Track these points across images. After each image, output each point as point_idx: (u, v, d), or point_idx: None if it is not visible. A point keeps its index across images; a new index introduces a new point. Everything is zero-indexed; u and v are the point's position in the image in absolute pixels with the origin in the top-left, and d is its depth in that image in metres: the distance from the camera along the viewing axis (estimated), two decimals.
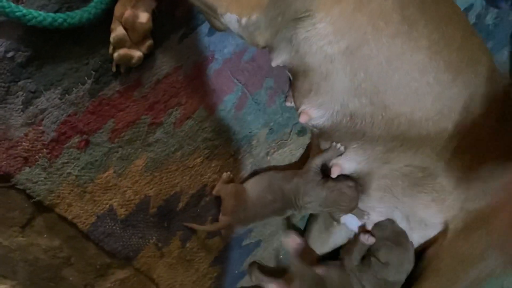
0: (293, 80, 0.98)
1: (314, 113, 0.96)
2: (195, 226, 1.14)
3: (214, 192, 1.16)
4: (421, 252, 1.12)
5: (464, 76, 0.89)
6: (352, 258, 1.13)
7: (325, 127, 0.98)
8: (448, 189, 1.00)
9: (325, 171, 1.09)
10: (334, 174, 1.04)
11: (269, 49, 0.96)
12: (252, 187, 1.14)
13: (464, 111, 0.91)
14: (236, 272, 1.23)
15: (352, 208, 1.06)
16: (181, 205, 1.13)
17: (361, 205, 1.07)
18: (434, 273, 1.08)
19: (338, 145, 1.04)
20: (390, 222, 1.08)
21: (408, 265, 1.09)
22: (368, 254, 1.11)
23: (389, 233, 1.07)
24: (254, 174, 1.20)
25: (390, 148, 0.95)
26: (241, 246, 1.22)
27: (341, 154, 1.02)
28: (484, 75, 0.92)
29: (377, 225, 1.10)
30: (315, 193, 1.07)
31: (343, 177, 1.05)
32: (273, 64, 0.97)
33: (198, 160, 1.13)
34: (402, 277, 1.09)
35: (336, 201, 1.05)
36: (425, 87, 0.87)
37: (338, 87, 0.91)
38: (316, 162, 1.10)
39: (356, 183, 1.04)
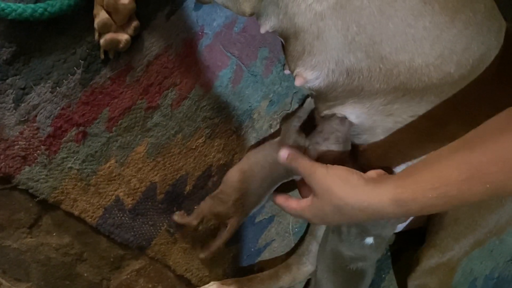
0: (285, 44, 0.96)
1: (309, 75, 0.93)
2: (212, 250, 1.11)
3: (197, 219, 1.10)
4: None
5: (462, 15, 0.86)
6: None
7: (321, 88, 0.95)
8: (460, 135, 0.97)
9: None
10: None
11: (256, 15, 0.93)
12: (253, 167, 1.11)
13: (466, 51, 0.88)
14: (253, 250, 1.21)
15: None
16: (188, 188, 1.11)
17: (365, 162, 1.05)
18: (452, 222, 1.06)
19: (312, 100, 1.02)
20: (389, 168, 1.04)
21: None
22: None
23: None
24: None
25: (391, 100, 0.92)
26: (254, 224, 1.20)
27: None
28: (483, 12, 0.88)
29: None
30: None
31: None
32: (262, 30, 0.94)
33: (200, 140, 1.11)
34: (385, 230, 1.06)
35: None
36: (422, 32, 0.84)
37: (331, 44, 0.88)
38: (294, 123, 1.09)
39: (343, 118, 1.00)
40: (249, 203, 1.09)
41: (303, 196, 0.99)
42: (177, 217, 1.09)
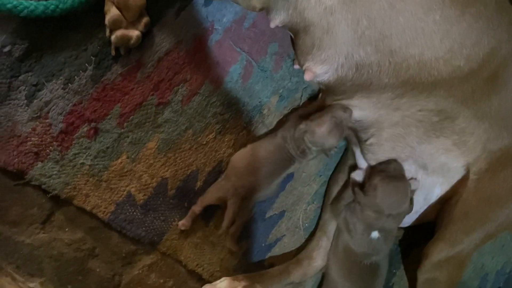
0: (295, 38, 0.96)
1: (318, 69, 0.93)
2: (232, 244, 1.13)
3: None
4: (445, 199, 1.11)
5: (472, 9, 0.85)
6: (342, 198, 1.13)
7: (330, 82, 0.95)
8: (469, 130, 0.97)
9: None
10: None
11: (266, 10, 0.94)
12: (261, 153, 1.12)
13: (476, 45, 0.87)
14: (263, 245, 1.21)
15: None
16: (199, 183, 1.12)
17: (371, 156, 1.05)
18: (462, 216, 1.05)
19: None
20: (395, 160, 1.04)
21: (395, 207, 1.03)
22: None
23: (389, 167, 1.03)
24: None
25: (399, 94, 0.92)
26: (264, 219, 1.20)
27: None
28: (494, 6, 0.88)
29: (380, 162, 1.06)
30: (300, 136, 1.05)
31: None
32: (272, 25, 0.95)
33: (211, 136, 1.11)
34: (387, 223, 1.06)
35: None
36: (432, 25, 0.84)
37: (341, 39, 0.88)
38: (298, 112, 1.11)
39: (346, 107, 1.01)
40: (257, 186, 1.09)
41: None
42: (182, 225, 1.10)
